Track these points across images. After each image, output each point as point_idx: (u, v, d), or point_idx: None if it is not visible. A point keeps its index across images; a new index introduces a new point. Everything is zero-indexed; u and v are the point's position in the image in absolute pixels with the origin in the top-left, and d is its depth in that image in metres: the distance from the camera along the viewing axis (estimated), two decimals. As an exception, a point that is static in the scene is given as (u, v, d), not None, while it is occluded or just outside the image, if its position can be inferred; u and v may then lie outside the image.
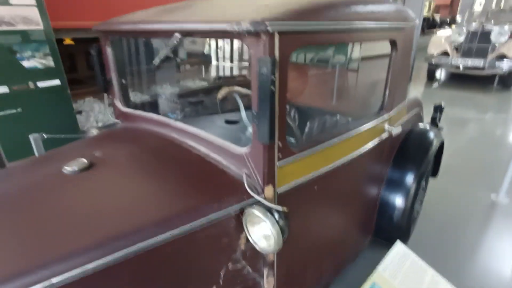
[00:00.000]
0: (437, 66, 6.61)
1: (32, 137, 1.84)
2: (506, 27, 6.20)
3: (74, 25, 4.00)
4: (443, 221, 2.27)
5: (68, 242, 0.74)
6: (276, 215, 0.92)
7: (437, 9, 23.29)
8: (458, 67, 6.34)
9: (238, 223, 0.96)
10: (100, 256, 0.72)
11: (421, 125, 1.89)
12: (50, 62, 2.93)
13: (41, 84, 2.91)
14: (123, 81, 1.46)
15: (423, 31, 19.22)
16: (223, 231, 0.93)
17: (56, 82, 2.99)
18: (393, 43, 1.39)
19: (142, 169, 1.05)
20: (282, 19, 0.82)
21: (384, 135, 1.48)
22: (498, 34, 5.99)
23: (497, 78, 6.25)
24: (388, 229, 1.68)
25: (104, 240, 0.75)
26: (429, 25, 21.02)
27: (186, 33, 1.01)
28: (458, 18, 7.87)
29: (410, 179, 1.61)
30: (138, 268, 0.80)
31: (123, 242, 0.76)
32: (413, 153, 1.67)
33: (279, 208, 0.93)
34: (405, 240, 1.53)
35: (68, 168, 1.02)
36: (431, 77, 7.03)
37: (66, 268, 0.69)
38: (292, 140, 1.33)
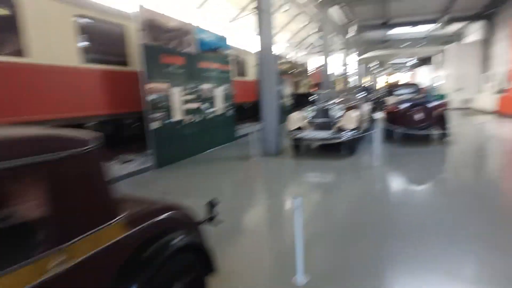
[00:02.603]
0: (297, 140, 7.37)
1: None
2: (340, 105, 7.51)
3: None
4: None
5: None
6: None
7: (318, 86, 27.52)
8: (313, 139, 7.21)
9: None
10: None
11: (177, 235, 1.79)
12: None
13: None
14: None
15: (303, 106, 22.12)
16: None
17: None
18: (47, 178, 1.21)
19: None
20: None
21: (52, 274, 1.20)
22: (334, 111, 7.16)
23: (344, 146, 7.23)
24: None
25: None
26: (310, 101, 24.41)
27: None
28: (312, 97, 9.29)
29: None
30: None
31: None
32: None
33: None
34: None
35: None
36: (295, 149, 7.77)
37: None
38: None
